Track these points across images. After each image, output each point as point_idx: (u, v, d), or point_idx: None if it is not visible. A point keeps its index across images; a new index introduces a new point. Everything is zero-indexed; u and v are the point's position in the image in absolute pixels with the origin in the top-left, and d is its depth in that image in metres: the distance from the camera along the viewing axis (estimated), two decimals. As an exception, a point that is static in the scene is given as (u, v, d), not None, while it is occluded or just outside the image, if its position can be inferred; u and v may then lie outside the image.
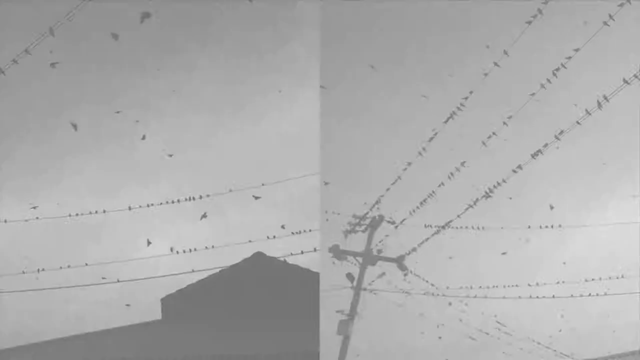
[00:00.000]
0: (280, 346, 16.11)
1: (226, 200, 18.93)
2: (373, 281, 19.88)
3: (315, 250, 18.38)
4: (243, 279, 18.48)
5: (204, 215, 18.37)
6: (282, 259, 18.05)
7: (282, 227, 18.34)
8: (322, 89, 18.39)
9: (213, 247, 18.44)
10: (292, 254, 18.28)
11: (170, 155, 19.57)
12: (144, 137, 19.23)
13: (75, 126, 17.29)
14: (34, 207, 18.57)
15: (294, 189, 19.94)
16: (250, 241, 18.52)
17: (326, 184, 18.46)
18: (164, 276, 17.70)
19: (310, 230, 19.06)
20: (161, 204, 18.58)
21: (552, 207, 19.71)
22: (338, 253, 19.32)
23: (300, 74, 23.84)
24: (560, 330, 22.76)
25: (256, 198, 18.43)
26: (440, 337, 21.57)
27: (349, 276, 19.14)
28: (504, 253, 20.87)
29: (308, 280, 18.17)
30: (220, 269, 17.92)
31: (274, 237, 18.53)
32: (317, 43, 19.81)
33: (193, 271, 17.76)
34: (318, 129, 18.66)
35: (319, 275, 18.08)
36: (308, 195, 19.89)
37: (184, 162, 22.59)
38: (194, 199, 18.65)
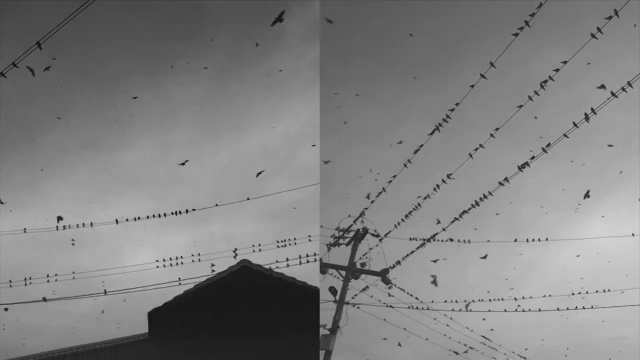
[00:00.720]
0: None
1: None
2: (356, 295, 19.72)
3: (307, 260, 18.31)
4: (230, 289, 18.11)
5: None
6: (267, 267, 17.76)
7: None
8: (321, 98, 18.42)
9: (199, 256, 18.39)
10: (277, 264, 18.10)
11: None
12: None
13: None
14: None
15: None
16: (235, 251, 18.43)
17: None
18: (151, 288, 17.47)
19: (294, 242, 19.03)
20: (148, 217, 18.55)
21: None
22: (321, 266, 19.13)
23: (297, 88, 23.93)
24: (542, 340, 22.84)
25: None
26: (424, 351, 21.50)
27: (332, 289, 18.90)
28: (483, 257, 20.82)
29: (297, 291, 17.88)
30: (206, 278, 17.56)
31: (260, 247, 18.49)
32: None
33: (180, 282, 17.51)
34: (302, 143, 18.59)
35: (306, 285, 17.87)
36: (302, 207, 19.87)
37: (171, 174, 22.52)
38: (180, 213, 18.64)
